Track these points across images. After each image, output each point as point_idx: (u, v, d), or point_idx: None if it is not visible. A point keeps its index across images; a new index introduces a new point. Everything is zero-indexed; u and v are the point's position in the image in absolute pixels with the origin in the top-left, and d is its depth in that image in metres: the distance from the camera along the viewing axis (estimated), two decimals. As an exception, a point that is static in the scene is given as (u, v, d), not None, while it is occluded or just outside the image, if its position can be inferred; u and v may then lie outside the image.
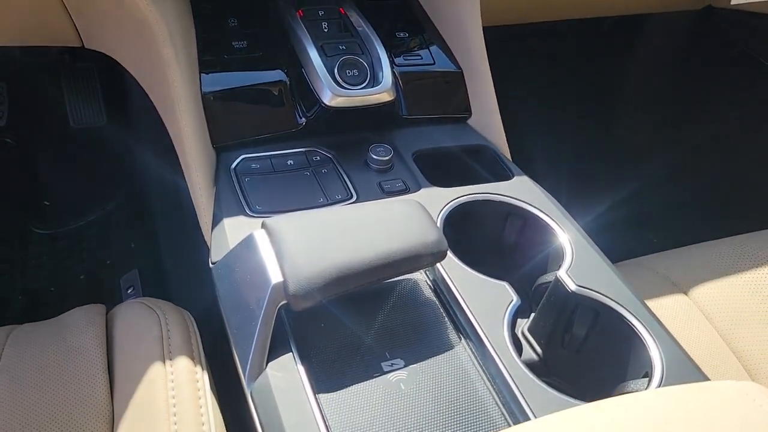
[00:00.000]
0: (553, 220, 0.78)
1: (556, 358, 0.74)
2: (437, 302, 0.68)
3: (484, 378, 0.62)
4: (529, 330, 0.77)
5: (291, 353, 0.60)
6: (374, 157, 0.82)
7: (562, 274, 0.71)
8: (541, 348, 0.76)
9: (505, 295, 0.68)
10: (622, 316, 0.68)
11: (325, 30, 0.89)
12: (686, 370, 0.63)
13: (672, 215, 1.66)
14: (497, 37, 1.38)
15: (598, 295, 0.69)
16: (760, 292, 0.96)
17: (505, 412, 0.59)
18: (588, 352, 0.72)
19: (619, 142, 1.84)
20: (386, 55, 0.86)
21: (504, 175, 0.85)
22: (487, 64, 0.94)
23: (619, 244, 1.15)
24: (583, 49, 1.75)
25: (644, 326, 0.66)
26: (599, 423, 0.47)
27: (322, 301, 0.59)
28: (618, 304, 0.69)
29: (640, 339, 0.66)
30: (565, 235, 0.77)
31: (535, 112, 1.67)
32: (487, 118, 0.93)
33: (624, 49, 1.79)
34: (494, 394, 0.60)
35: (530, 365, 0.74)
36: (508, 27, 1.40)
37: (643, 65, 1.82)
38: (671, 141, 1.76)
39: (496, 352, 0.62)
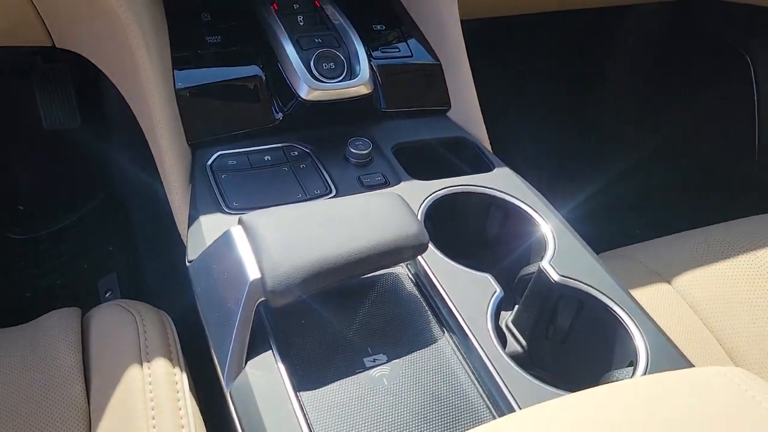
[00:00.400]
0: (534, 210, 0.78)
1: (540, 350, 0.74)
2: (419, 296, 0.67)
3: (468, 371, 0.61)
4: (513, 322, 0.76)
5: (271, 351, 0.58)
6: (353, 151, 0.81)
7: (545, 264, 0.71)
8: (525, 340, 0.75)
9: (488, 286, 0.68)
10: (606, 305, 0.67)
11: (301, 23, 0.87)
12: (671, 358, 0.63)
13: (655, 205, 1.67)
14: (477, 30, 1.37)
15: (582, 284, 0.69)
16: (742, 279, 0.96)
17: (489, 405, 0.58)
18: (573, 342, 0.71)
19: (601, 134, 1.84)
20: (363, 48, 0.85)
21: (485, 167, 0.85)
22: (466, 56, 0.93)
23: (602, 236, 1.15)
24: (564, 40, 1.75)
25: (628, 315, 0.66)
26: (584, 412, 0.46)
27: (301, 297, 0.58)
28: (602, 293, 0.68)
29: (625, 328, 0.65)
30: (547, 225, 0.76)
31: (517, 104, 1.67)
32: (467, 111, 0.92)
33: (604, 39, 1.80)
34: (478, 386, 0.59)
35: (515, 357, 0.74)
36: (489, 20, 1.40)
37: (624, 56, 1.82)
38: (653, 131, 1.77)
39: (479, 345, 0.61)
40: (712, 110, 1.72)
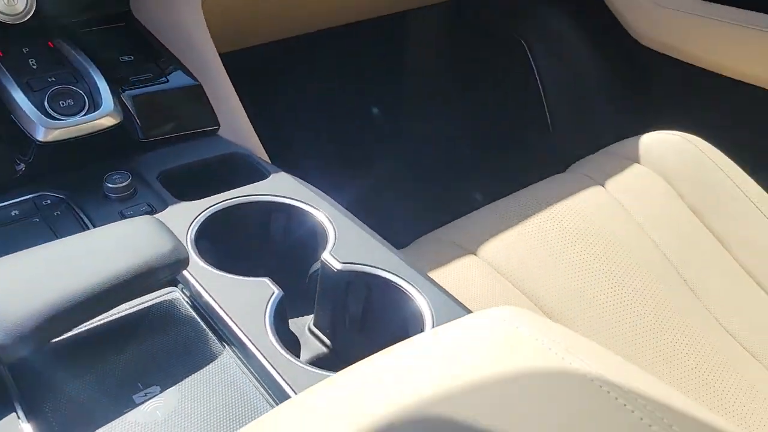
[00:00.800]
0: (312, 206, 0.76)
1: (346, 345, 0.71)
2: (197, 316, 0.63)
3: (253, 380, 0.57)
4: (315, 323, 0.74)
5: (14, 413, 0.51)
6: (110, 186, 0.75)
7: (326, 255, 0.69)
8: (329, 339, 0.73)
9: (266, 289, 0.64)
10: (389, 280, 0.66)
11: (34, 66, 0.81)
12: (453, 312, 0.62)
13: (467, 186, 1.72)
14: (267, 54, 1.36)
15: (363, 266, 0.67)
16: (538, 238, 1.00)
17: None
18: (371, 327, 0.70)
19: (400, 130, 1.89)
20: (104, 80, 0.80)
21: (260, 176, 0.82)
22: (225, 73, 0.91)
23: (422, 224, 1.16)
24: (353, 53, 1.79)
25: (409, 283, 0.65)
26: (348, 384, 0.44)
27: (42, 346, 0.52)
28: (383, 270, 0.67)
29: (408, 296, 0.64)
30: (325, 217, 0.74)
31: (314, 117, 1.67)
32: (237, 126, 0.90)
33: (390, 48, 1.86)
34: (265, 393, 0.56)
35: (321, 359, 0.71)
36: (276, 43, 1.39)
37: (413, 61, 1.89)
38: (454, 124, 1.84)
39: (259, 350, 0.58)
40: (507, 96, 1.82)
